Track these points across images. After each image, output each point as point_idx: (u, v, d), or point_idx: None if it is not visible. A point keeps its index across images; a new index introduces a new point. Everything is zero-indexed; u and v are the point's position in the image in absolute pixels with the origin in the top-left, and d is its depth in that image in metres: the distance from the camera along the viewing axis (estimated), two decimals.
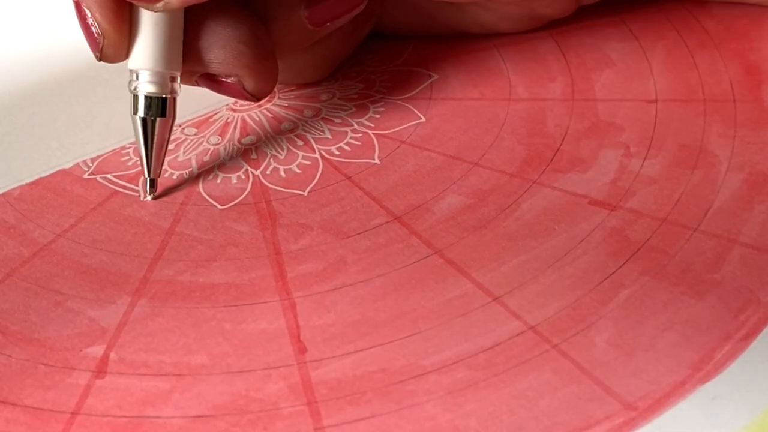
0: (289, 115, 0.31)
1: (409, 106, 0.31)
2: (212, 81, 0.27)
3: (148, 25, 0.25)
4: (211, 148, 0.29)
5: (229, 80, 0.27)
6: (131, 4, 0.25)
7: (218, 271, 0.25)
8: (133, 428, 0.20)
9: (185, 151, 0.29)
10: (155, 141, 0.26)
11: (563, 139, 0.29)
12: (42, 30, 0.37)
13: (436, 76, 0.33)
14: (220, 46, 0.26)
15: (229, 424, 0.21)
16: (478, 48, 0.34)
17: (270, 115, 0.31)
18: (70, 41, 0.36)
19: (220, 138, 0.30)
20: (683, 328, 0.22)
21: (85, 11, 0.25)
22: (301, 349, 0.22)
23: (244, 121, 0.31)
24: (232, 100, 0.31)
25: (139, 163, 0.29)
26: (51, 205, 0.27)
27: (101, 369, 0.22)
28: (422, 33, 0.34)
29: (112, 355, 0.22)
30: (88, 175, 0.29)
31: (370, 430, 0.20)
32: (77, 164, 0.29)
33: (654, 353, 0.22)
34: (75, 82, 0.34)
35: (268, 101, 0.32)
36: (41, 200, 0.28)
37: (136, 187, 0.28)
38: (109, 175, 0.28)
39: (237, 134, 0.30)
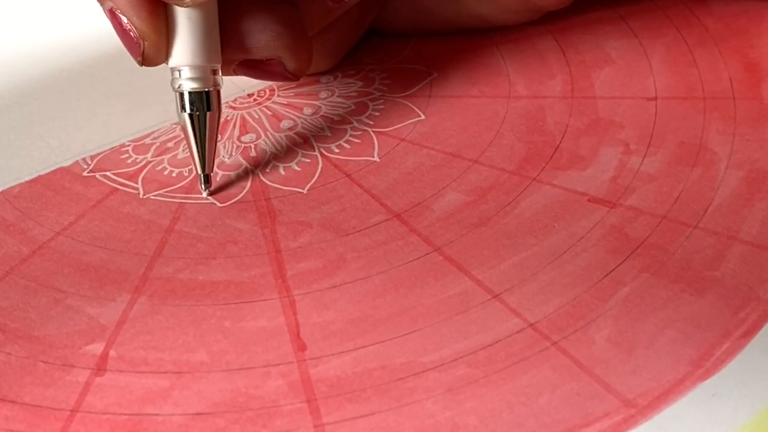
0: (289, 113, 0.31)
1: (409, 103, 0.31)
2: (251, 67, 0.27)
3: (183, 21, 0.25)
4: None
5: (270, 63, 0.27)
6: (165, 3, 0.25)
7: (218, 268, 0.25)
8: (133, 426, 0.20)
9: (184, 149, 0.29)
10: (206, 136, 0.27)
11: (563, 137, 0.29)
12: (41, 28, 0.37)
13: (436, 74, 0.32)
14: (260, 30, 0.27)
15: (229, 422, 0.21)
16: (477, 45, 0.34)
17: (269, 113, 0.31)
18: (69, 39, 0.36)
19: (219, 136, 0.30)
20: (683, 325, 0.22)
21: (120, 17, 0.25)
22: (301, 347, 0.22)
23: (243, 119, 0.31)
24: (233, 97, 0.31)
25: (138, 161, 0.29)
26: (50, 202, 0.27)
27: (101, 366, 0.22)
28: (420, 30, 0.34)
29: (112, 352, 0.22)
30: (88, 172, 0.29)
31: (369, 428, 0.20)
32: (77, 162, 0.29)
33: (654, 350, 0.22)
34: (74, 80, 0.33)
35: (268, 98, 0.32)
36: (41, 198, 0.28)
37: (135, 185, 0.28)
38: (108, 173, 0.28)
39: (236, 132, 0.30)
